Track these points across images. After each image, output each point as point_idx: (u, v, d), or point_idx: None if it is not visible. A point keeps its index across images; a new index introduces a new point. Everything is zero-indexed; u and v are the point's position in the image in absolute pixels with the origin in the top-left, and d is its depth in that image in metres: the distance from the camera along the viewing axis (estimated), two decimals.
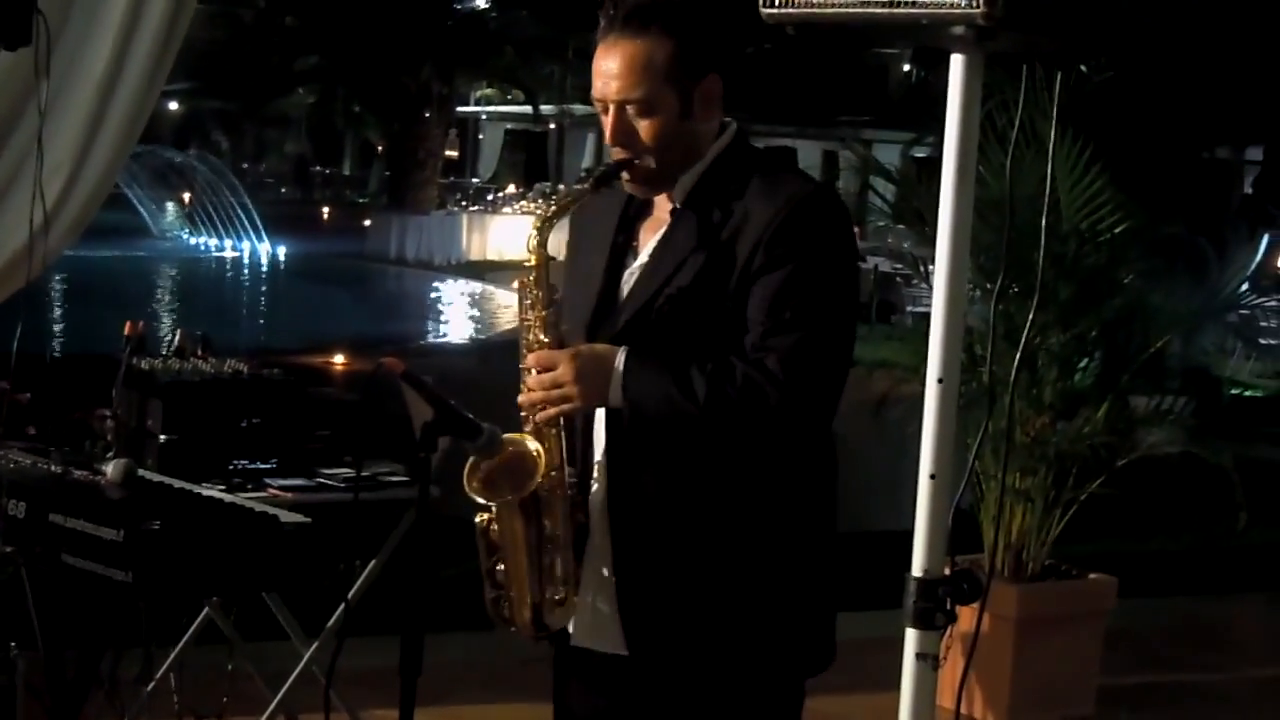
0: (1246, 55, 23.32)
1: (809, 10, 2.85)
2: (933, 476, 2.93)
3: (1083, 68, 6.72)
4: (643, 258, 3.52)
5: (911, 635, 2.99)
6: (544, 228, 3.44)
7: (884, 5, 2.74)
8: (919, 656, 2.97)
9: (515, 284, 3.48)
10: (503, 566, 3.49)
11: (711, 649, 3.44)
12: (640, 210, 3.59)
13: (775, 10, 2.89)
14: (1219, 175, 28.31)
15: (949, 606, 2.97)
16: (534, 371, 3.41)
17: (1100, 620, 7.09)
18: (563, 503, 3.47)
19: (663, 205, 3.54)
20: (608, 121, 3.45)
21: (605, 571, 3.49)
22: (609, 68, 3.41)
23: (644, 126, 3.42)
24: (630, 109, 3.42)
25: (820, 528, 3.53)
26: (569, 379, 3.36)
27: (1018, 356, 3.37)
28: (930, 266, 7.81)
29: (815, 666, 3.57)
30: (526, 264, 3.46)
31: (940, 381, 2.92)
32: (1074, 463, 6.85)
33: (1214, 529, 9.62)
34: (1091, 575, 7.13)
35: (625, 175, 3.47)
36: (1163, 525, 10.56)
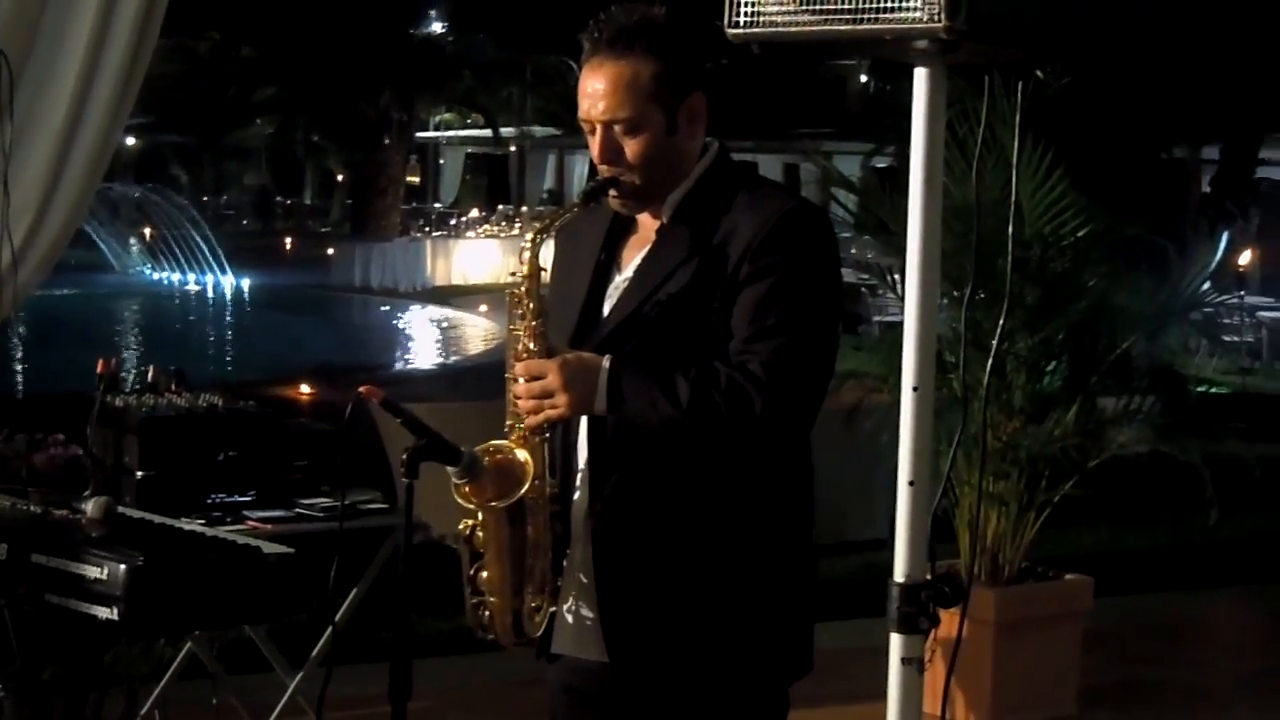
0: (1199, 54, 23.47)
1: (773, 29, 2.89)
2: (911, 483, 2.97)
3: (1039, 74, 6.76)
4: (627, 273, 3.58)
5: (896, 640, 3.03)
6: (536, 240, 3.51)
7: (848, 21, 2.78)
8: (904, 661, 3.01)
9: (507, 294, 3.53)
10: (485, 573, 3.54)
11: (692, 656, 3.49)
12: (625, 229, 3.65)
13: (740, 30, 2.93)
14: (1177, 175, 28.46)
15: (932, 610, 3.00)
16: (521, 380, 3.46)
17: (1078, 620, 7.13)
18: (544, 511, 3.53)
19: (647, 224, 3.61)
20: (595, 141, 3.52)
21: (586, 580, 3.54)
22: (595, 88, 3.48)
23: (631, 144, 3.49)
24: (617, 128, 3.48)
25: (797, 534, 3.59)
26: (557, 386, 3.41)
27: (989, 363, 3.40)
28: (895, 276, 7.88)
29: (795, 673, 3.61)
30: (517, 275, 3.50)
31: (915, 389, 2.96)
32: (1046, 465, 6.89)
33: (1186, 526, 9.67)
34: (1068, 576, 7.17)
35: (612, 192, 3.53)
36: (1136, 524, 10.61)
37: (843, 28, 2.79)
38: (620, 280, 3.59)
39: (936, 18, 2.68)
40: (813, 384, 3.44)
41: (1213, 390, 15.76)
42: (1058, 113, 6.95)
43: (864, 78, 38.98)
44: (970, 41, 2.72)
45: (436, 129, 48.61)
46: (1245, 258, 24.95)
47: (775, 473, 3.53)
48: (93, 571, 4.00)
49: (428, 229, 37.61)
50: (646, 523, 3.48)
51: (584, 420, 3.52)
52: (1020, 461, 6.83)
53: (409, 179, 43.09)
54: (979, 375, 6.60)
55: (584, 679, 3.63)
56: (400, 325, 28.32)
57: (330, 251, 35.54)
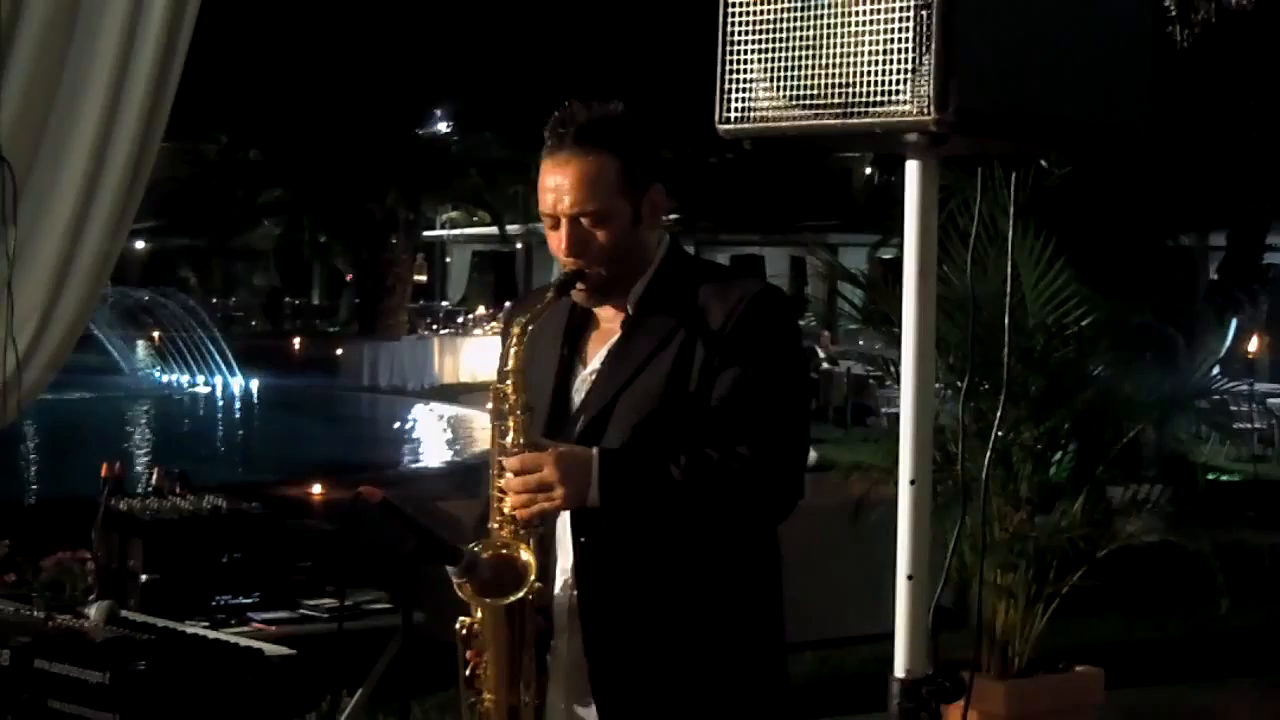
0: (1205, 141, 23.55)
1: (764, 124, 2.90)
2: (910, 577, 2.96)
3: (1043, 163, 6.80)
4: (594, 365, 3.65)
5: None
6: (521, 335, 3.55)
7: (838, 116, 2.78)
8: None
9: (491, 390, 3.57)
10: (482, 671, 3.57)
11: None
12: (583, 322, 3.72)
13: (731, 126, 2.94)
14: (1184, 262, 28.50)
15: (934, 706, 2.99)
16: (511, 474, 3.47)
17: (1089, 713, 7.08)
18: (533, 606, 3.56)
19: (607, 316, 3.68)
20: (560, 235, 3.57)
21: (579, 673, 3.58)
22: (562, 183, 3.55)
23: (599, 236, 3.56)
24: (585, 220, 3.55)
25: (774, 618, 3.68)
26: (555, 479, 3.44)
27: (989, 453, 3.40)
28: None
29: None
30: (503, 369, 3.55)
31: (913, 483, 2.95)
32: (1054, 556, 6.85)
33: (1199, 616, 9.61)
34: (1078, 668, 7.12)
35: (579, 285, 3.58)
36: (1148, 614, 10.53)
37: (833, 122, 2.79)
38: (587, 374, 3.66)
39: (926, 110, 2.69)
40: (798, 460, 3.55)
41: (1223, 478, 15.70)
42: (1060, 202, 6.97)
43: (869, 169, 39.21)
44: (961, 134, 2.72)
45: (443, 227, 48.81)
46: (1254, 344, 24.95)
47: (751, 554, 3.62)
48: (95, 676, 4.00)
49: (435, 327, 37.69)
50: (638, 613, 3.53)
51: (565, 514, 3.55)
52: (1028, 553, 6.80)
53: (416, 277, 43.23)
54: (984, 466, 6.60)
55: None
56: (409, 423, 28.31)
57: (339, 351, 35.59)
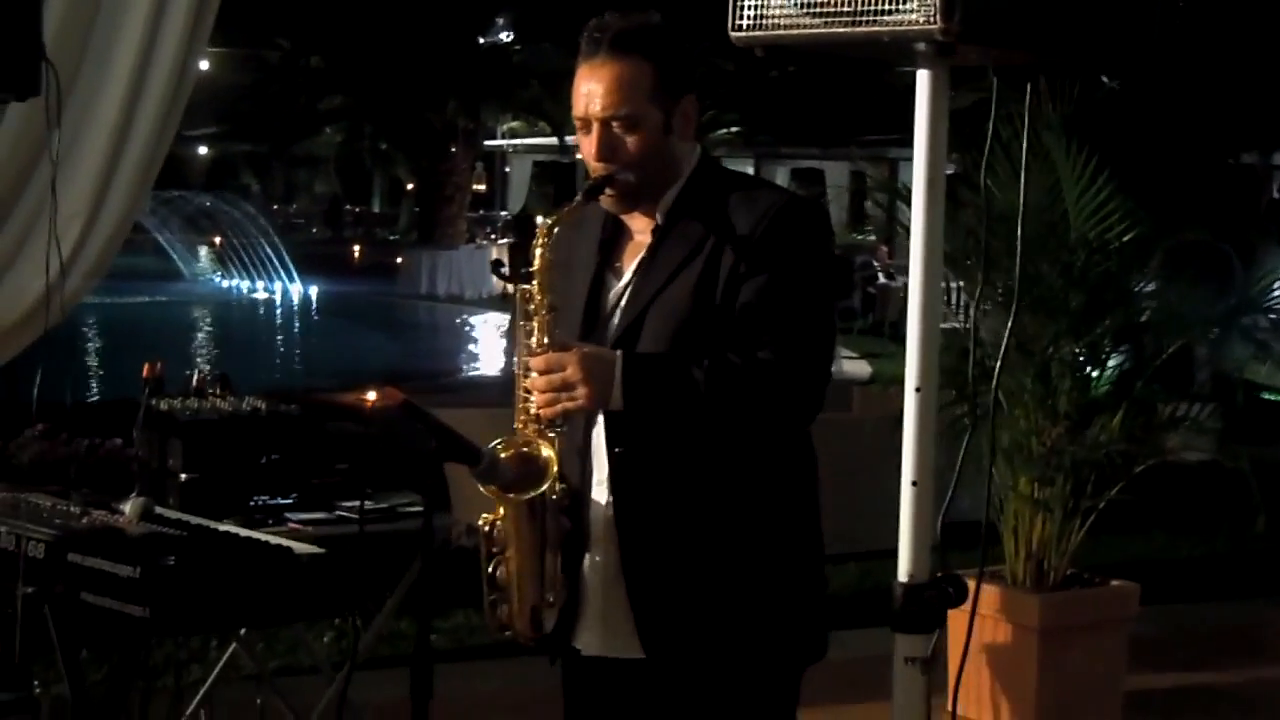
0: (1269, 59, 23.27)
1: (776, 32, 2.92)
2: (914, 483, 2.99)
3: (1104, 79, 6.75)
4: (626, 276, 3.67)
5: (900, 640, 3.05)
6: (547, 238, 3.58)
7: (847, 24, 2.80)
8: (907, 660, 3.03)
9: (517, 292, 3.60)
10: (504, 569, 3.61)
11: (723, 645, 3.57)
12: (615, 233, 3.74)
13: (743, 34, 2.96)
14: (1246, 181, 28.19)
15: (937, 610, 3.02)
16: (535, 374, 3.51)
17: (1124, 627, 7.08)
18: (558, 506, 3.60)
19: (639, 227, 3.71)
20: (591, 139, 3.61)
21: (615, 578, 3.61)
22: (595, 88, 3.59)
23: (630, 141, 3.59)
24: (617, 125, 3.58)
25: (809, 523, 3.66)
26: (578, 378, 3.47)
27: (998, 363, 3.40)
28: (953, 283, 7.86)
29: (814, 655, 3.67)
30: (527, 270, 3.58)
31: (918, 390, 2.98)
32: (1091, 471, 6.85)
33: (1242, 533, 9.59)
34: (1114, 582, 7.13)
35: (608, 190, 3.61)
36: (1192, 531, 10.52)
37: (843, 30, 2.81)
38: (620, 285, 3.67)
39: (933, 19, 2.70)
40: (820, 368, 3.54)
41: (1268, 396, 15.59)
42: (1111, 116, 6.92)
43: None
44: (968, 43, 2.74)
45: (504, 137, 48.75)
46: None
47: (785, 462, 3.63)
48: (125, 570, 4.06)
49: (494, 236, 37.74)
50: (674, 517, 3.56)
51: (600, 420, 3.58)
52: (1065, 467, 6.80)
53: (476, 187, 43.25)
54: (1023, 381, 6.60)
55: (613, 676, 3.70)
56: (466, 332, 28.43)
57: (398, 259, 35.71)
